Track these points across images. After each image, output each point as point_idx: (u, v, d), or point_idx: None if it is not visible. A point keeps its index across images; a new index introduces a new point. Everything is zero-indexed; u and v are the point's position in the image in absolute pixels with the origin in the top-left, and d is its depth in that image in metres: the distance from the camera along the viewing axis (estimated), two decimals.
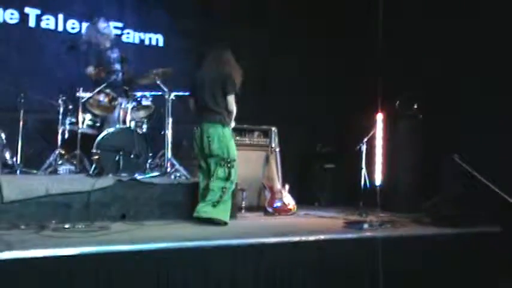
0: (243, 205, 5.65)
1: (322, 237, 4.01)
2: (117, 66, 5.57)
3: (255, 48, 6.70)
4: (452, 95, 5.90)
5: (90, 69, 5.46)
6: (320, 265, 3.89)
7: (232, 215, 5.07)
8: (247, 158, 6.14)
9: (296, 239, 3.90)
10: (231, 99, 4.69)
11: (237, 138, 6.34)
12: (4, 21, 5.74)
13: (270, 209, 5.61)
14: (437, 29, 6.02)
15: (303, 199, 6.35)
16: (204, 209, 4.57)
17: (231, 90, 4.67)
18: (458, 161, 5.45)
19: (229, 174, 4.65)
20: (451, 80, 5.92)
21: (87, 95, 5.24)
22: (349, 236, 4.18)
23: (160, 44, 6.64)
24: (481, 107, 5.54)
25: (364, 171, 5.79)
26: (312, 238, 3.95)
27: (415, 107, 6.10)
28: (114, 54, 5.64)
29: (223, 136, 4.67)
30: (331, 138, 7.01)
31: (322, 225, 4.86)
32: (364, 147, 5.83)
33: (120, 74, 5.55)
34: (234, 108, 4.73)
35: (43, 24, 5.95)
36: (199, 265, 3.50)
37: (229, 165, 4.66)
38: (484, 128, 5.48)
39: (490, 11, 5.58)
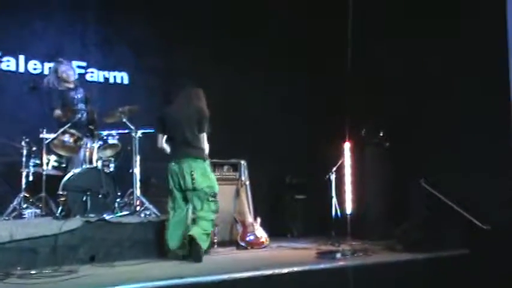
0: (215, 240, 5.57)
1: (295, 269, 3.99)
2: (82, 106, 5.51)
3: (220, 83, 6.76)
4: (415, 122, 6.05)
5: (58, 112, 5.39)
6: None
7: (205, 251, 5.03)
8: (221, 193, 6.10)
9: (269, 272, 3.87)
10: (204, 137, 4.83)
11: None
12: None
13: (242, 243, 5.57)
14: (402, 62, 6.18)
15: (275, 231, 6.31)
16: (200, 236, 4.55)
17: (205, 128, 4.81)
18: (424, 185, 5.56)
19: (217, 207, 4.77)
20: (414, 108, 6.07)
21: (51, 136, 5.15)
22: (322, 266, 4.19)
23: (126, 81, 6.61)
24: (444, 130, 5.70)
25: (334, 200, 5.83)
26: (285, 270, 3.93)
27: (381, 134, 6.22)
28: (79, 95, 5.59)
29: (205, 170, 4.79)
30: (301, 168, 7.04)
31: (295, 256, 4.84)
32: (333, 176, 5.89)
33: (85, 114, 5.48)
34: (206, 145, 4.86)
35: (3, 66, 5.86)
36: None
37: (215, 198, 4.77)
38: (448, 150, 5.62)
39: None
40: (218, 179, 6.21)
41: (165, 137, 4.93)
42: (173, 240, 4.71)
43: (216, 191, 4.81)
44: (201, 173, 4.74)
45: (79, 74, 6.04)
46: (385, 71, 6.32)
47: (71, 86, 5.57)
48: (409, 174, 5.88)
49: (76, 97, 5.55)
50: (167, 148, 4.95)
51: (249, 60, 7.00)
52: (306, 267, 4.07)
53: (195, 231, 4.57)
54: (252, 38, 7.01)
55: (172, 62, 6.73)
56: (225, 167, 6.33)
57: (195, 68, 6.63)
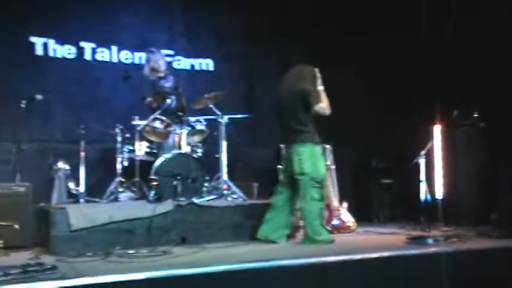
0: (301, 224, 5.58)
1: (385, 254, 3.90)
2: (171, 94, 5.69)
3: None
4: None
5: (148, 100, 5.61)
6: (384, 283, 3.78)
7: (291, 235, 5.06)
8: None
9: (358, 256, 3.81)
10: (319, 109, 4.60)
11: None
12: (63, 56, 6.00)
13: (328, 228, 5.53)
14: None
15: (361, 216, 6.22)
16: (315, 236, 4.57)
17: (312, 107, 4.58)
18: None
19: (321, 195, 4.64)
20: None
21: (143, 123, 5.37)
22: (413, 252, 4.05)
23: (211, 68, 6.76)
24: None
25: (424, 185, 5.63)
26: (375, 255, 3.86)
27: (475, 115, 5.91)
28: (168, 83, 5.77)
29: (313, 155, 4.62)
30: (387, 152, 6.88)
31: (383, 242, 4.75)
32: (422, 160, 5.68)
33: (174, 101, 5.66)
34: (326, 111, 4.65)
35: (98, 57, 6.18)
36: (262, 286, 3.48)
37: (320, 185, 4.63)
38: None
39: None
40: None
41: None
42: (267, 224, 4.76)
43: (320, 178, 4.64)
44: (309, 157, 4.59)
45: (167, 62, 6.23)
46: (477, 50, 5.99)
47: (161, 75, 5.77)
48: (507, 157, 5.55)
49: (166, 85, 5.74)
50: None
51: (341, 41, 6.89)
52: (397, 253, 3.97)
53: (313, 238, 4.57)
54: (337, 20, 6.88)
55: (256, 48, 6.79)
56: None
57: (278, 54, 6.65)
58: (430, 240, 4.41)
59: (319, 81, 4.71)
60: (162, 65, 5.76)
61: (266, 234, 4.74)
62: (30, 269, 3.14)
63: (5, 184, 4.69)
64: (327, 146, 6.31)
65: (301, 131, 4.64)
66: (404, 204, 6.51)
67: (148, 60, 5.80)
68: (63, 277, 3.08)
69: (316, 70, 4.74)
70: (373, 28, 6.95)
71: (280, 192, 4.88)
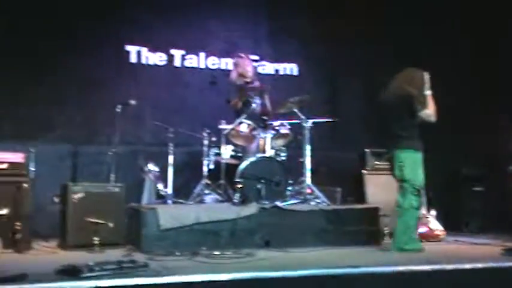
0: (386, 231, 5.46)
1: (479, 265, 3.71)
2: (256, 98, 5.78)
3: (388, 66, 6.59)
4: None
5: (234, 101, 5.73)
6: None
7: (376, 242, 4.96)
8: (388, 183, 5.94)
9: (450, 267, 3.65)
10: (424, 115, 4.50)
11: (376, 162, 6.24)
12: (154, 63, 6.28)
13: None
14: None
15: (450, 225, 5.97)
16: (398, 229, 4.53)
17: (417, 113, 4.49)
18: None
19: (417, 204, 4.55)
20: None
21: (229, 126, 5.49)
22: (511, 264, 3.82)
23: (295, 72, 6.78)
24: None
25: None
26: (467, 266, 3.68)
27: None
28: (254, 87, 5.86)
29: (414, 161, 4.56)
30: (479, 159, 6.55)
31: (476, 252, 4.53)
32: None
33: (259, 106, 5.74)
34: (432, 118, 4.53)
35: (187, 63, 6.40)
36: None
37: (418, 193, 4.55)
38: None
39: None
40: (388, 169, 6.14)
41: None
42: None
43: (419, 185, 4.55)
44: (409, 164, 4.51)
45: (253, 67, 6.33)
46: None
47: (248, 80, 5.87)
48: None
49: (252, 90, 5.82)
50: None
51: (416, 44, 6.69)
52: (491, 264, 3.76)
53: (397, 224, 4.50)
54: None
55: (340, 51, 6.73)
56: None
57: (363, 56, 6.55)
58: None
59: (427, 86, 4.55)
60: (249, 71, 5.86)
61: None
62: (125, 265, 3.30)
63: (101, 184, 4.97)
64: None
65: (403, 136, 4.55)
66: (497, 214, 6.15)
67: (236, 65, 5.93)
68: (155, 274, 3.22)
69: (426, 74, 4.59)
70: (456, 27, 6.68)
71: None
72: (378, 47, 6.67)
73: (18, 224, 4.41)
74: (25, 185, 4.60)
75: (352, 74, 6.89)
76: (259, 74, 6.47)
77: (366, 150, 6.27)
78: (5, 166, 4.60)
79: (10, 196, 4.50)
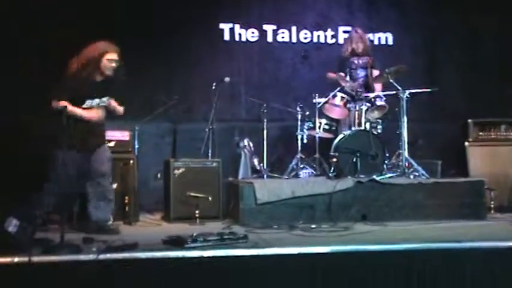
0: (492, 205, 5.19)
1: None
2: (360, 72, 5.66)
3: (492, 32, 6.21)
4: None
5: (329, 75, 5.66)
6: None
7: (481, 216, 4.74)
8: (494, 154, 5.67)
9: None
10: None
11: (480, 133, 5.91)
12: (247, 39, 6.34)
13: None
14: None
15: None
16: None
17: None
18: None
19: None
20: None
21: (323, 100, 5.44)
22: None
23: (390, 42, 6.55)
24: None
25: None
26: None
27: None
28: (360, 61, 5.73)
29: None
30: None
31: None
32: None
33: (363, 78, 5.65)
34: None
35: (279, 38, 6.39)
36: (448, 268, 3.32)
37: None
38: None
39: None
40: (494, 140, 5.84)
41: None
42: None
43: None
44: None
45: (344, 38, 6.21)
46: None
47: (358, 55, 5.74)
48: None
49: (356, 62, 5.71)
50: None
51: None
52: None
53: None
54: None
55: (439, 19, 6.42)
56: (503, 126, 5.82)
57: (463, 25, 6.19)
58: None
59: None
60: (360, 47, 5.72)
61: None
62: (225, 237, 3.43)
63: (200, 160, 5.15)
64: None
65: None
66: None
67: (350, 40, 5.81)
68: (255, 246, 3.31)
69: None
70: None
71: None
72: (480, 16, 6.27)
73: (127, 197, 4.71)
74: (131, 162, 4.89)
75: (452, 42, 6.54)
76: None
77: (469, 120, 5.95)
78: (112, 144, 4.89)
79: (118, 172, 4.80)
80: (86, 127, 4.17)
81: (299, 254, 3.23)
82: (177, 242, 3.29)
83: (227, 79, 5.53)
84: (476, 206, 4.80)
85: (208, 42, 6.22)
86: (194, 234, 3.32)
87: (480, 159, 5.74)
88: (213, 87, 5.45)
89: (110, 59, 4.16)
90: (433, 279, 3.27)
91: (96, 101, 4.14)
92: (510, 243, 3.43)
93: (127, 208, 4.70)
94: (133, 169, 4.91)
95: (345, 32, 6.38)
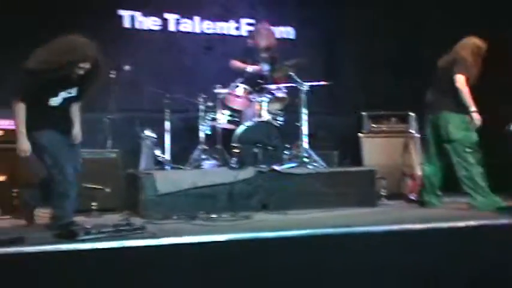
0: (383, 193, 5.50)
1: (472, 223, 3.75)
2: (264, 66, 5.72)
3: (393, 31, 6.54)
4: None
5: (233, 62, 5.69)
6: (471, 254, 3.64)
7: (373, 203, 5.00)
8: (384, 145, 6.01)
9: (443, 225, 3.69)
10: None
11: (373, 125, 6.24)
12: (149, 28, 6.20)
13: (412, 197, 5.39)
14: None
15: (447, 186, 5.98)
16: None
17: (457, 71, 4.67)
18: None
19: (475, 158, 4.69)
20: None
21: (225, 91, 5.46)
22: (503, 221, 3.86)
23: (291, 36, 6.70)
24: None
25: None
26: (461, 224, 3.72)
27: None
28: (266, 55, 5.78)
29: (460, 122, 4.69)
30: None
31: (471, 211, 4.55)
32: None
33: (265, 74, 5.72)
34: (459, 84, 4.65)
35: (182, 28, 6.31)
36: (343, 251, 3.47)
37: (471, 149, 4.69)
38: None
39: None
40: (385, 132, 6.19)
41: None
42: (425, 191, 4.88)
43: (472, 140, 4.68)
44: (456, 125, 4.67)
45: (248, 31, 6.26)
46: None
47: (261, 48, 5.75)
48: None
49: (262, 56, 5.74)
50: None
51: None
52: (484, 222, 3.80)
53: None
54: None
55: (337, 13, 6.65)
56: (393, 119, 6.17)
57: (361, 19, 6.46)
58: None
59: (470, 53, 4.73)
60: (267, 42, 5.72)
61: None
62: (121, 228, 3.34)
63: (98, 150, 4.97)
64: (411, 113, 6.14)
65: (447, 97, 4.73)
66: (496, 175, 6.16)
67: (257, 34, 5.81)
68: (151, 236, 3.25)
69: (478, 42, 4.79)
70: None
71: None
72: (376, 10, 6.58)
73: (15, 190, 4.44)
74: None
75: (350, 37, 6.82)
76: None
77: (363, 113, 6.26)
78: (1, 133, 4.59)
79: (8, 163, 4.51)
80: None
81: (196, 243, 3.22)
82: (68, 235, 3.16)
83: (127, 67, 5.37)
84: (368, 194, 5.06)
85: (107, 29, 5.99)
86: (87, 226, 3.20)
87: (373, 150, 6.07)
88: (112, 76, 5.28)
89: (82, 67, 3.85)
90: (327, 261, 3.40)
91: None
92: (392, 227, 3.65)
93: (15, 201, 4.43)
94: (25, 160, 4.62)
95: (248, 24, 6.44)
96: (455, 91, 4.64)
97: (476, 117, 4.63)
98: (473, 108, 4.63)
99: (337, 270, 3.37)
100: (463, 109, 4.66)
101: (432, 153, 4.93)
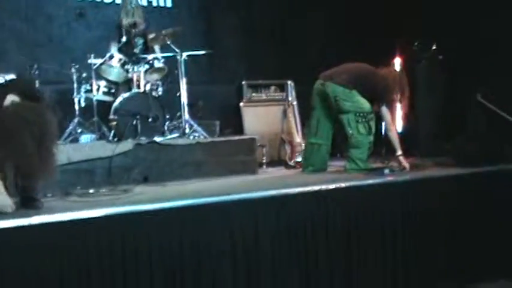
0: (264, 161, 5.66)
1: (342, 185, 3.99)
2: (138, 40, 5.55)
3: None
4: (471, 33, 5.72)
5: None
6: (342, 214, 3.88)
7: (253, 171, 5.12)
8: (264, 114, 6.16)
9: (316, 188, 3.88)
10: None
11: (253, 94, 6.36)
12: None
13: (291, 163, 5.61)
14: None
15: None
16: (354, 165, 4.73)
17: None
18: (481, 100, 5.34)
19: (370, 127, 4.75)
20: (469, 17, 5.73)
21: (99, 61, 5.22)
22: (370, 182, 4.15)
23: (168, 4, 6.54)
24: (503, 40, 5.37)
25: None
26: (332, 186, 3.93)
27: (434, 47, 5.94)
28: (137, 30, 5.57)
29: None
30: None
31: (343, 174, 4.84)
32: None
33: (140, 48, 5.53)
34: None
35: None
36: (223, 220, 3.53)
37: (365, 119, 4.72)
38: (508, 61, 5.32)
39: None
40: (265, 100, 6.34)
41: None
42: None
43: (366, 110, 4.73)
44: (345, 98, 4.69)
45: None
46: None
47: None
48: (465, 89, 5.65)
49: (134, 31, 5.52)
50: None
51: None
52: (353, 183, 4.06)
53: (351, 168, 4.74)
54: None
55: None
56: (272, 88, 6.33)
57: None
58: (386, 171, 4.51)
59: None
60: (124, 20, 5.51)
61: None
62: None
63: None
64: (289, 82, 6.33)
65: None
66: None
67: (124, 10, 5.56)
68: (20, 216, 3.05)
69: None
70: None
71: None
72: None
73: None
74: None
75: (229, 5, 6.81)
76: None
77: (243, 82, 6.34)
78: None
79: None
80: None
81: (71, 220, 3.08)
82: None
83: None
84: (249, 162, 5.16)
85: None
86: None
87: (253, 119, 6.20)
88: None
89: None
90: (208, 232, 3.44)
91: None
92: (272, 192, 3.78)
93: None
94: None
95: None
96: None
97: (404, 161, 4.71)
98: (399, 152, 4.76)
99: (217, 239, 3.44)
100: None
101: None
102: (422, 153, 5.71)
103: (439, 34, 5.90)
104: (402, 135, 5.68)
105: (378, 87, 4.75)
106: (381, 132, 5.68)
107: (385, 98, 4.79)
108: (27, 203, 3.40)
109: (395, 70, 5.08)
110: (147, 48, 5.63)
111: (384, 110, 4.79)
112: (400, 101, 4.97)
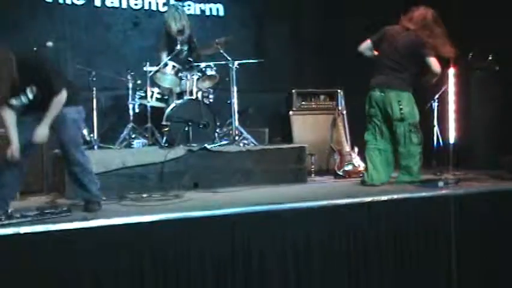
0: (313, 169, 5.65)
1: (395, 196, 3.94)
2: (184, 47, 5.60)
3: (315, 9, 6.60)
4: None
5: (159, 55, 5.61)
6: (393, 225, 3.83)
7: (302, 180, 5.11)
8: (314, 122, 6.14)
9: (368, 199, 3.85)
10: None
11: (303, 102, 6.36)
12: (72, 2, 5.92)
13: (340, 172, 5.57)
14: None
15: None
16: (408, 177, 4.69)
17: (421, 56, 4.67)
18: None
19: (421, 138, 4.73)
20: None
21: (154, 68, 5.35)
22: (423, 194, 4.08)
23: (221, 13, 6.63)
24: None
25: (436, 129, 5.61)
26: (384, 198, 3.89)
27: (490, 58, 5.78)
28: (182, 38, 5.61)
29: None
30: None
31: (395, 185, 4.77)
32: (435, 104, 5.65)
33: (186, 49, 5.61)
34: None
35: (108, 3, 6.07)
36: (274, 228, 3.55)
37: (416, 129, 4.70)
38: None
39: None
40: (314, 109, 6.33)
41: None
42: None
43: (418, 120, 4.70)
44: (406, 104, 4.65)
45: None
46: None
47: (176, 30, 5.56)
48: None
49: (179, 39, 5.54)
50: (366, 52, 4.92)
51: None
52: (406, 195, 4.00)
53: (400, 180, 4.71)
54: None
55: None
56: (322, 97, 6.32)
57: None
58: (440, 183, 4.41)
59: None
60: (172, 26, 5.52)
61: None
62: (46, 211, 3.23)
63: None
64: (339, 91, 6.30)
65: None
66: None
67: (167, 15, 5.66)
68: (78, 219, 3.17)
69: None
70: None
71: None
72: None
73: None
74: None
75: (279, 15, 6.85)
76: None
77: (293, 91, 6.36)
78: None
79: None
80: None
81: (125, 224, 3.18)
82: None
83: (50, 44, 5.09)
84: (298, 170, 5.17)
85: (26, 3, 5.68)
86: (9, 210, 3.07)
87: (303, 127, 6.20)
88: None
89: None
90: (259, 240, 3.47)
91: None
92: (321, 202, 3.77)
93: None
94: None
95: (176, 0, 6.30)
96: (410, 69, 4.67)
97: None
98: None
99: (266, 247, 3.46)
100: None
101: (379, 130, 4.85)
102: (476, 166, 5.55)
103: (495, 45, 5.73)
104: (456, 147, 5.58)
105: (417, 58, 4.64)
106: (432, 145, 5.60)
107: (424, 51, 4.63)
108: (87, 205, 3.54)
109: (421, 18, 4.73)
110: (191, 55, 5.70)
111: (428, 60, 4.63)
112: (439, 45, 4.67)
